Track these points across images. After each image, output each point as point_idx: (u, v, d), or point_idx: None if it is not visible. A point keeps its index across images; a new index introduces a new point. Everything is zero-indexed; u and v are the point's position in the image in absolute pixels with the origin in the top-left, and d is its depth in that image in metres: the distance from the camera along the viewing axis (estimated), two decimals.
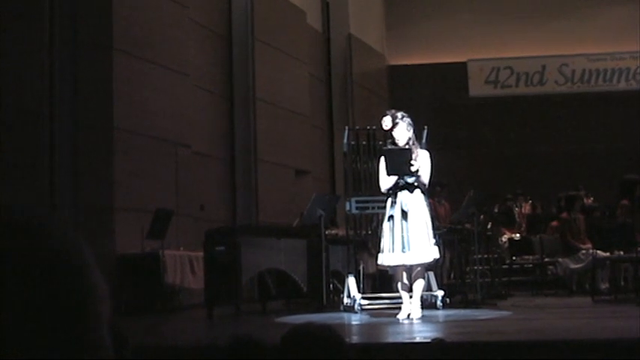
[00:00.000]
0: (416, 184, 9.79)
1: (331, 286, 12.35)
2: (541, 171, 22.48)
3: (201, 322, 11.04)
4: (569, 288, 14.54)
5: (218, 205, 15.85)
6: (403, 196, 9.76)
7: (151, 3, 13.66)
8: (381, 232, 10.07)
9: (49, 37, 12.39)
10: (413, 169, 9.68)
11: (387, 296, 11.14)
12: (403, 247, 9.66)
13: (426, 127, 11.02)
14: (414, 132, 9.99)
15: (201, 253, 11.94)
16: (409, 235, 9.68)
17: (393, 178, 9.80)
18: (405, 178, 9.77)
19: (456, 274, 13.72)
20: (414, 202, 9.77)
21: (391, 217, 9.79)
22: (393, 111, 10.21)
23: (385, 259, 9.85)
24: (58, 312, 1.06)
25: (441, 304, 10.93)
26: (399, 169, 9.75)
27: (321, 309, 11.37)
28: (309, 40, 19.56)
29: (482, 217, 13.86)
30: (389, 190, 9.86)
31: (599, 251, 13.05)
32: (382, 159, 9.97)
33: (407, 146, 9.85)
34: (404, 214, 9.71)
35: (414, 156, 9.73)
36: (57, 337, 1.05)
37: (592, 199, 18.65)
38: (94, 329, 1.09)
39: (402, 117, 9.97)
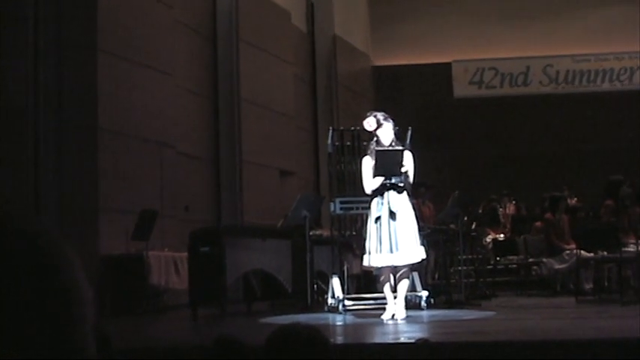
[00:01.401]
0: (402, 184, 9.80)
1: (316, 286, 12.35)
2: (525, 171, 22.54)
3: (186, 323, 11.02)
4: (554, 288, 14.58)
5: (203, 205, 15.83)
6: (390, 196, 9.76)
7: (135, 3, 13.64)
8: (365, 233, 10.07)
9: (34, 37, 12.35)
10: (403, 170, 9.70)
11: (371, 297, 11.14)
12: (391, 248, 9.66)
13: (410, 127, 11.03)
14: (395, 132, 10.03)
15: (185, 254, 11.92)
16: (397, 236, 9.68)
17: (379, 179, 9.79)
18: (392, 178, 9.78)
19: (440, 274, 13.75)
20: (402, 203, 9.78)
21: (378, 218, 9.78)
22: (375, 112, 10.22)
23: (372, 260, 9.83)
24: (41, 314, 1.06)
25: (426, 305, 10.94)
26: (389, 170, 9.75)
27: (305, 310, 11.37)
28: (293, 40, 19.56)
29: (466, 217, 13.89)
30: (374, 190, 9.85)
31: (583, 252, 13.08)
32: (365, 159, 9.97)
33: (396, 147, 9.88)
34: (392, 215, 9.71)
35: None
36: (40, 338, 1.06)
37: (576, 199, 18.70)
38: (78, 331, 1.09)
39: (385, 118, 9.99)
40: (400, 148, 9.87)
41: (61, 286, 1.09)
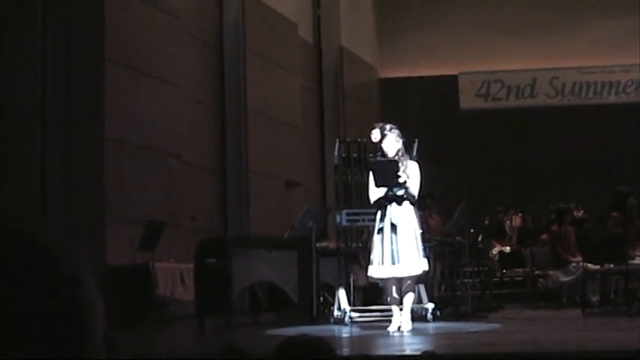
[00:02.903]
0: (405, 195, 9.78)
1: (322, 298, 12.35)
2: (532, 183, 22.51)
3: (192, 334, 11.01)
4: (560, 301, 14.55)
5: (209, 216, 15.82)
6: (392, 208, 9.76)
7: (142, 14, 13.67)
8: (371, 245, 10.06)
9: (42, 48, 12.38)
10: (401, 180, 9.68)
11: (377, 309, 11.14)
12: (393, 260, 9.66)
13: (417, 139, 11.03)
14: (403, 144, 9.99)
15: (191, 265, 11.92)
16: (399, 248, 9.67)
17: (383, 190, 9.80)
18: (394, 190, 9.77)
19: (446, 286, 13.74)
20: (403, 215, 9.77)
21: (381, 229, 9.79)
22: (382, 124, 10.22)
23: (375, 271, 9.85)
24: (54, 323, 1.06)
25: (432, 317, 10.93)
26: (387, 180, 9.75)
27: (311, 321, 11.36)
28: (300, 51, 19.58)
29: (472, 229, 13.88)
30: (378, 202, 9.85)
31: (589, 264, 13.06)
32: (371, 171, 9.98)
33: (395, 157, 9.85)
34: (393, 227, 9.71)
35: (402, 167, 9.72)
36: (53, 349, 1.06)
37: (582, 211, 18.67)
38: (89, 342, 1.09)
39: (391, 129, 9.98)
40: (395, 158, 9.83)
41: (74, 298, 1.09)
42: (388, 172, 9.74)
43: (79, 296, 1.10)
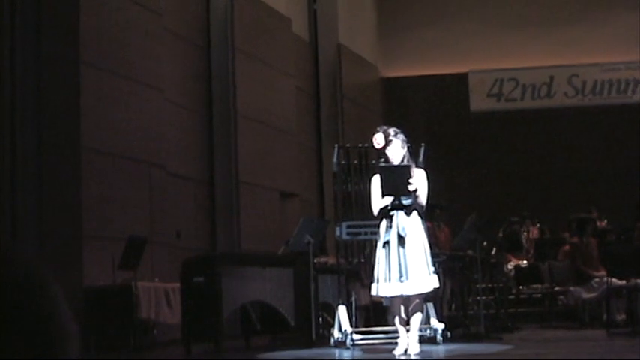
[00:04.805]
0: (413, 206, 9.76)
1: (321, 319, 12.36)
2: (549, 191, 22.53)
3: None
4: (582, 319, 14.55)
5: (196, 231, 15.84)
6: (400, 219, 9.72)
7: (121, 11, 13.68)
8: (374, 260, 10.04)
9: (11, 49, 12.39)
10: (411, 188, 9.65)
11: (381, 330, 11.14)
12: (400, 276, 9.63)
13: (423, 144, 11.04)
14: (408, 149, 9.96)
15: (177, 285, 11.93)
16: (407, 263, 9.64)
17: (388, 200, 9.76)
18: (402, 199, 9.75)
19: (457, 305, 13.75)
20: (412, 226, 9.73)
21: (387, 242, 9.75)
22: (385, 127, 10.19)
23: (380, 289, 9.81)
24: (22, 349, 1.08)
25: (442, 338, 10.93)
26: (396, 189, 9.72)
27: (310, 344, 11.37)
28: (295, 50, 19.60)
29: (485, 242, 13.90)
30: (383, 212, 9.83)
31: (613, 279, 13.07)
32: (375, 178, 9.92)
33: (404, 164, 9.83)
34: (401, 240, 9.67)
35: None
36: None
37: (605, 221, 18.70)
38: None
39: (396, 134, 9.94)
40: (406, 164, 9.81)
41: (43, 321, 1.10)
42: (398, 180, 9.69)
43: (48, 318, 1.11)
